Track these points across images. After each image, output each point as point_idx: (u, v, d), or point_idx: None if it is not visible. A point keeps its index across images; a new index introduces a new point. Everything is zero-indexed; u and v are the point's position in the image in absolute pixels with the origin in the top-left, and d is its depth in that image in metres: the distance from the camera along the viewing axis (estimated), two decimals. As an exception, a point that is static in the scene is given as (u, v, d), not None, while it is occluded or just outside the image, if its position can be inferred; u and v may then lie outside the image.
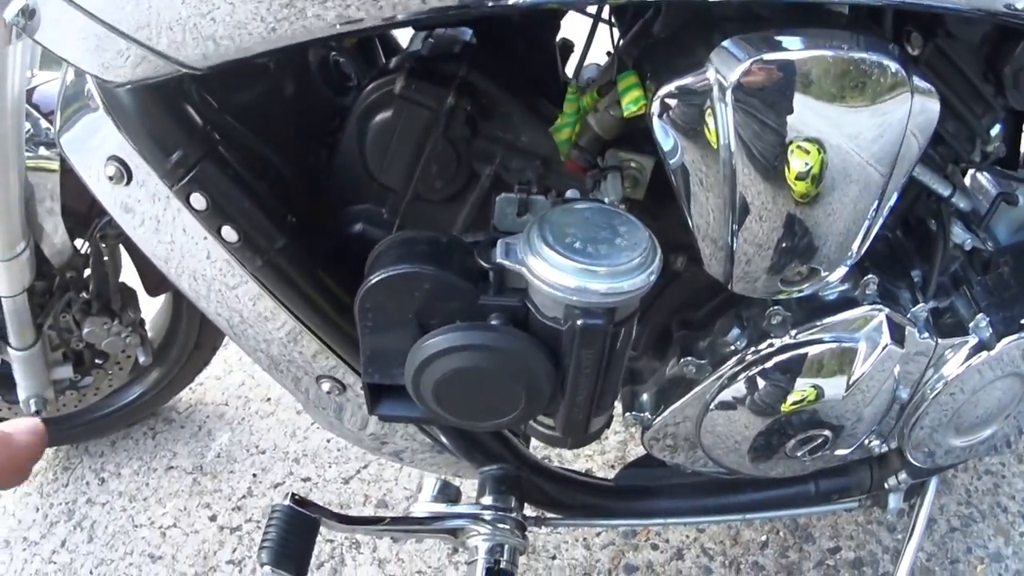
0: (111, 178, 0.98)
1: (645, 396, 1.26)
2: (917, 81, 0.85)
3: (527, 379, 0.90)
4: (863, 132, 0.86)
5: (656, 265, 0.84)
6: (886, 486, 1.48)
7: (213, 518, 1.92)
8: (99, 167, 0.98)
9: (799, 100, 0.83)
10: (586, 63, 1.15)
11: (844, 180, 0.90)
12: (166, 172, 0.96)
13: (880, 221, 0.96)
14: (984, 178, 1.25)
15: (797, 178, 0.88)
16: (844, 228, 0.95)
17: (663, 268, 0.90)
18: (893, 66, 0.83)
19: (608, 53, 1.13)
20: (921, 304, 1.18)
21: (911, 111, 0.86)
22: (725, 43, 0.82)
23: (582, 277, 0.82)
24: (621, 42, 1.09)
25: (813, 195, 0.90)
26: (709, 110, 0.84)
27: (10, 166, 1.32)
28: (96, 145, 0.97)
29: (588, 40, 1.09)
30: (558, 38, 1.20)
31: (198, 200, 0.97)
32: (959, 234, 1.20)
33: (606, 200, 0.95)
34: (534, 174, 1.08)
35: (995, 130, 1.14)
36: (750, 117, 0.83)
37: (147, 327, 1.88)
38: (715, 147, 0.86)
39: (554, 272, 0.82)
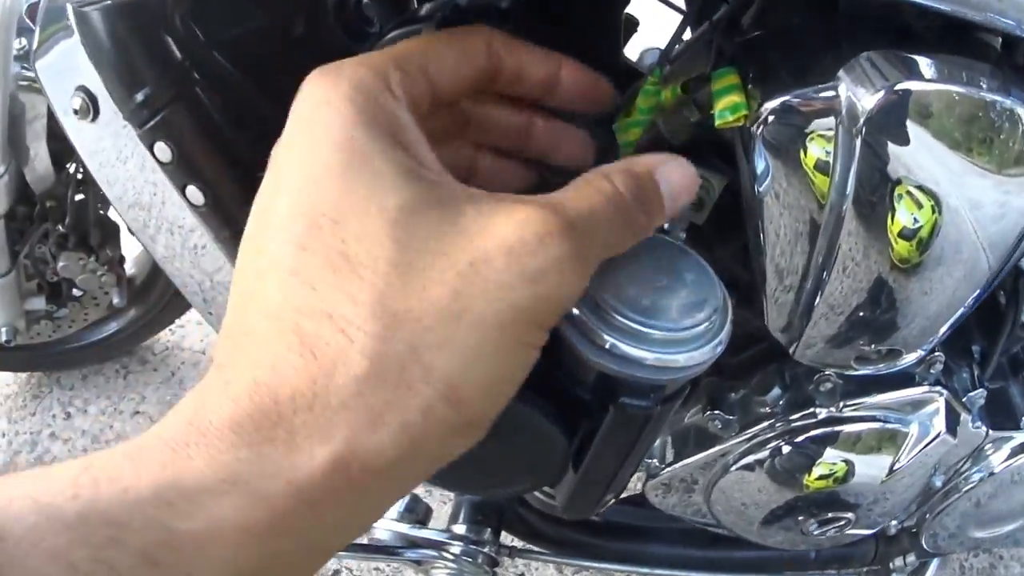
0: (76, 111, 0.81)
1: (657, 441, 1.06)
2: None
3: (531, 453, 0.65)
4: (987, 205, 0.67)
5: (725, 334, 0.58)
6: (891, 565, 1.31)
7: None
8: (68, 98, 0.81)
9: (931, 143, 0.63)
10: (646, 48, 0.95)
11: (952, 256, 0.71)
12: (131, 111, 0.75)
13: (967, 313, 0.78)
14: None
15: (901, 235, 0.69)
16: (935, 313, 0.76)
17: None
18: None
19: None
20: (980, 390, 1.00)
21: None
22: (863, 57, 0.62)
23: (627, 340, 0.55)
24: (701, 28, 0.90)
25: (914, 263, 0.71)
26: (825, 138, 0.65)
27: (-8, 82, 1.16)
28: (68, 72, 0.79)
29: (682, 23, 0.87)
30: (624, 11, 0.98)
31: (163, 150, 0.76)
32: (1030, 314, 1.02)
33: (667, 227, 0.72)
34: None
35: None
36: (877, 155, 0.64)
37: (129, 264, 1.72)
38: (822, 184, 0.67)
39: (589, 323, 0.55)
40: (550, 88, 0.59)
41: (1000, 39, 0.68)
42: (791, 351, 0.81)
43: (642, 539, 1.28)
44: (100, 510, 0.37)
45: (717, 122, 0.66)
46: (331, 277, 0.42)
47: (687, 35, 0.87)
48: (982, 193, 0.66)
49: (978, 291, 0.75)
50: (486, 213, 0.44)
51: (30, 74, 1.30)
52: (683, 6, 0.91)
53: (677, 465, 1.03)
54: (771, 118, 0.64)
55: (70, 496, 0.37)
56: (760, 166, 0.67)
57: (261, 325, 0.43)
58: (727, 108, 0.66)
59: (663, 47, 0.84)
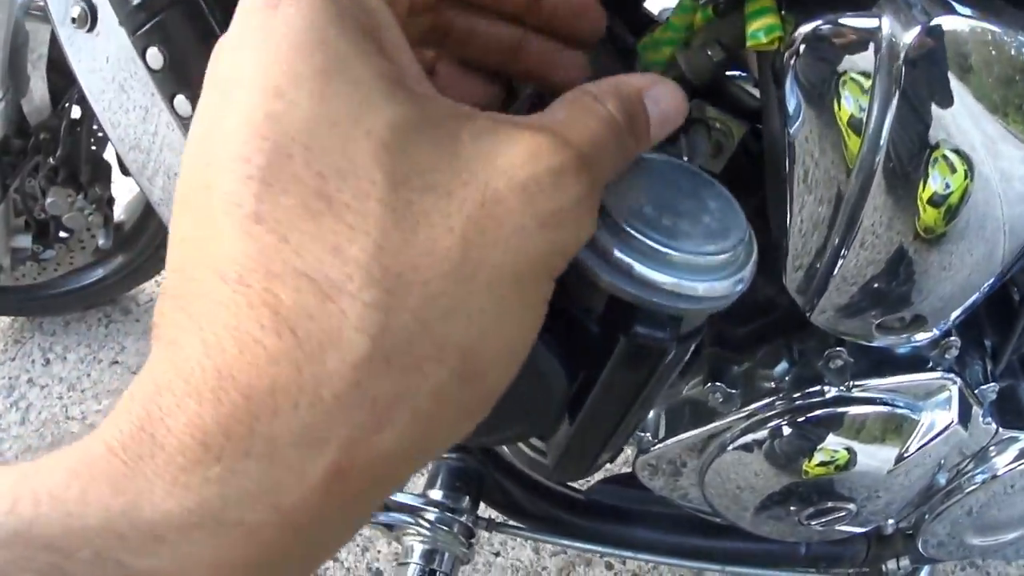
0: (74, 20, 0.75)
1: (651, 413, 1.00)
2: None
3: (527, 392, 0.53)
4: (1016, 180, 0.61)
5: (749, 271, 0.51)
6: (883, 568, 1.25)
7: None
8: (67, 5, 0.74)
9: (968, 101, 0.57)
10: (665, 7, 0.88)
11: (976, 232, 0.64)
12: (127, 14, 0.71)
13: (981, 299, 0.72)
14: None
15: (931, 201, 0.62)
16: (950, 293, 0.70)
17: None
18: None
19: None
20: (992, 384, 0.93)
21: None
22: None
23: (645, 260, 0.48)
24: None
25: (939, 232, 0.64)
26: (862, 78, 0.58)
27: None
28: (72, -21, 0.72)
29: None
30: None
31: (154, 56, 0.72)
32: (1048, 316, 0.96)
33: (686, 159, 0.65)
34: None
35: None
36: (914, 103, 0.57)
37: (119, 210, 1.68)
38: (855, 131, 0.60)
39: (604, 241, 0.48)
40: (536, 2, 0.51)
41: None
42: (809, 313, 0.74)
43: (626, 521, 1.22)
44: (40, 532, 0.30)
45: (749, 43, 0.59)
46: (308, 224, 0.33)
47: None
48: (1013, 166, 0.60)
49: (992, 278, 0.69)
50: (487, 140, 0.37)
51: (40, 1, 1.25)
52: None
53: (671, 440, 0.96)
54: (804, 46, 0.58)
55: (6, 509, 0.30)
56: (792, 104, 0.61)
57: (218, 291, 0.33)
58: (761, 29, 0.59)
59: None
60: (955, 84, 0.56)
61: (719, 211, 0.51)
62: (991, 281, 0.70)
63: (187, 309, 0.34)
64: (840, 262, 0.68)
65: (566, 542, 1.21)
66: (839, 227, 0.66)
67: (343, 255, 0.33)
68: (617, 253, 0.47)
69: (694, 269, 0.48)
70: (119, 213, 1.73)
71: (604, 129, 0.42)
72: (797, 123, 0.61)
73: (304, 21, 0.35)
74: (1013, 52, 0.55)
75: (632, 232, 0.47)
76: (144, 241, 1.75)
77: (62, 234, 1.69)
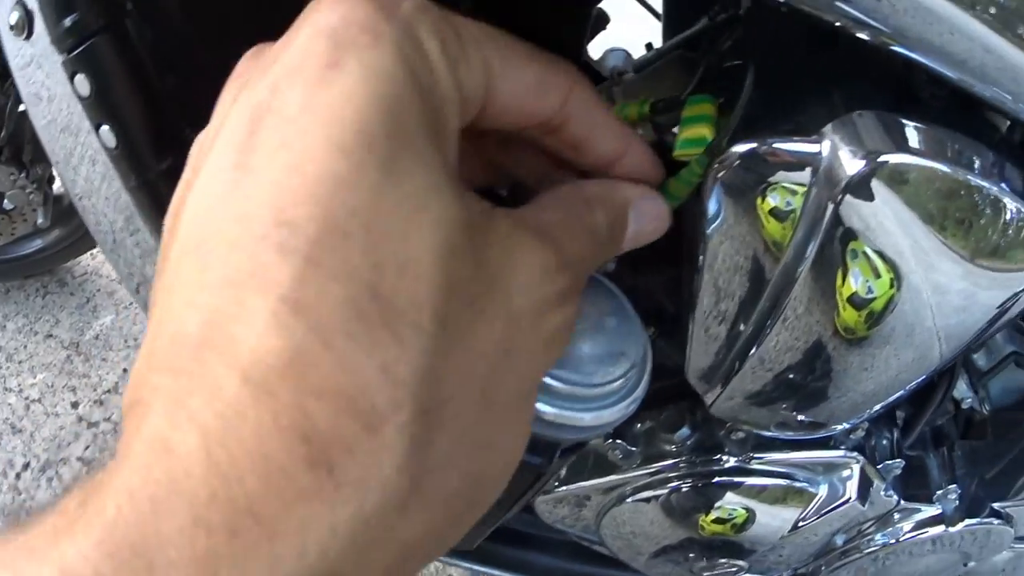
0: (12, 27, 0.69)
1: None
2: None
3: None
4: (952, 293, 0.56)
5: (641, 390, 0.48)
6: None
7: (75, 405, 1.68)
8: (8, 9, 0.68)
9: (906, 216, 0.52)
10: (611, 48, 0.83)
11: (903, 339, 0.60)
12: (59, 36, 0.64)
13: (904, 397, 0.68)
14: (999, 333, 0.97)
15: (850, 300, 0.58)
16: (871, 391, 0.66)
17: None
18: None
19: (648, 46, 0.82)
20: (898, 460, 0.89)
21: (1020, 292, 0.56)
22: (854, 116, 0.51)
23: None
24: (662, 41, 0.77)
25: (859, 335, 0.60)
26: (791, 192, 0.53)
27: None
28: (16, -18, 0.66)
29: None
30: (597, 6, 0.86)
31: (83, 83, 0.65)
32: (962, 389, 0.93)
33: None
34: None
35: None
36: (848, 223, 0.53)
37: (58, 184, 1.62)
38: (777, 236, 0.55)
39: None
40: (604, 168, 0.44)
41: (1008, 123, 0.57)
42: (708, 403, 0.70)
43: (524, 545, 1.17)
44: None
45: (676, 151, 0.54)
46: (357, 329, 0.27)
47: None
48: (950, 280, 0.56)
49: (922, 377, 0.65)
50: (508, 249, 0.33)
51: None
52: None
53: (572, 486, 0.91)
54: (737, 163, 0.53)
55: None
56: (713, 208, 0.55)
57: (233, 392, 0.26)
58: (692, 139, 0.54)
59: (629, 50, 0.73)
60: (894, 205, 0.52)
61: (616, 330, 0.47)
62: (918, 380, 0.66)
63: (184, 403, 0.27)
64: (752, 353, 0.64)
65: (466, 564, 1.17)
66: (751, 323, 0.62)
67: (393, 376, 0.27)
68: None
69: (581, 399, 0.44)
70: (58, 187, 1.69)
71: (593, 244, 0.39)
72: (715, 225, 0.56)
73: (383, 74, 0.29)
74: (957, 184, 0.51)
75: None
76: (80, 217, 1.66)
77: (5, 205, 1.64)
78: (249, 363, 0.26)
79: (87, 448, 1.61)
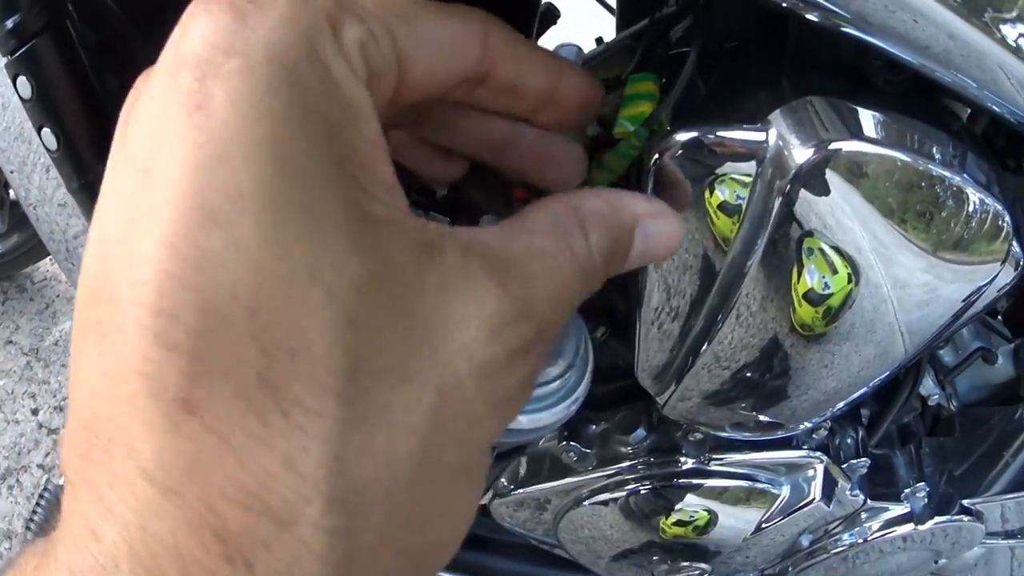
0: None
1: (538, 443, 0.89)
2: (1016, 247, 0.52)
3: None
4: (914, 287, 0.53)
5: (581, 391, 0.44)
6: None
7: (35, 412, 1.64)
8: None
9: (864, 210, 0.49)
10: (562, 43, 0.79)
11: (863, 335, 0.57)
12: (2, 38, 0.62)
13: (868, 393, 0.64)
14: (964, 328, 0.93)
15: (806, 296, 0.54)
16: (833, 389, 0.62)
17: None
18: (1006, 222, 0.50)
19: (598, 41, 0.77)
20: (864, 459, 0.85)
21: (985, 286, 0.53)
22: (804, 102, 0.47)
23: None
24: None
25: (817, 332, 0.56)
26: (738, 183, 0.49)
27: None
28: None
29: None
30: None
31: (24, 85, 0.63)
32: (929, 386, 0.89)
33: None
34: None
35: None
36: (798, 214, 0.49)
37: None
38: (725, 230, 0.51)
39: None
40: (543, 104, 0.40)
41: (968, 110, 0.54)
42: (661, 403, 0.66)
43: (485, 550, 1.13)
44: None
45: (616, 130, 0.49)
46: (253, 423, 0.25)
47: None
48: (911, 273, 0.52)
49: (886, 374, 0.61)
50: (451, 294, 0.29)
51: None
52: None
53: (526, 489, 0.87)
54: (679, 152, 0.49)
55: None
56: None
57: (142, 490, 0.25)
58: (632, 117, 0.50)
59: (581, 44, 0.68)
60: (849, 196, 0.48)
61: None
62: (882, 376, 0.62)
63: (103, 495, 0.25)
64: (703, 349, 0.60)
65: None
66: (701, 319, 0.58)
67: (297, 469, 0.25)
68: None
69: None
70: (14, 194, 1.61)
71: (578, 282, 0.34)
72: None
73: (256, 110, 0.25)
74: (917, 175, 0.47)
75: None
76: (37, 222, 1.62)
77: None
78: (153, 465, 0.25)
79: (47, 455, 1.56)
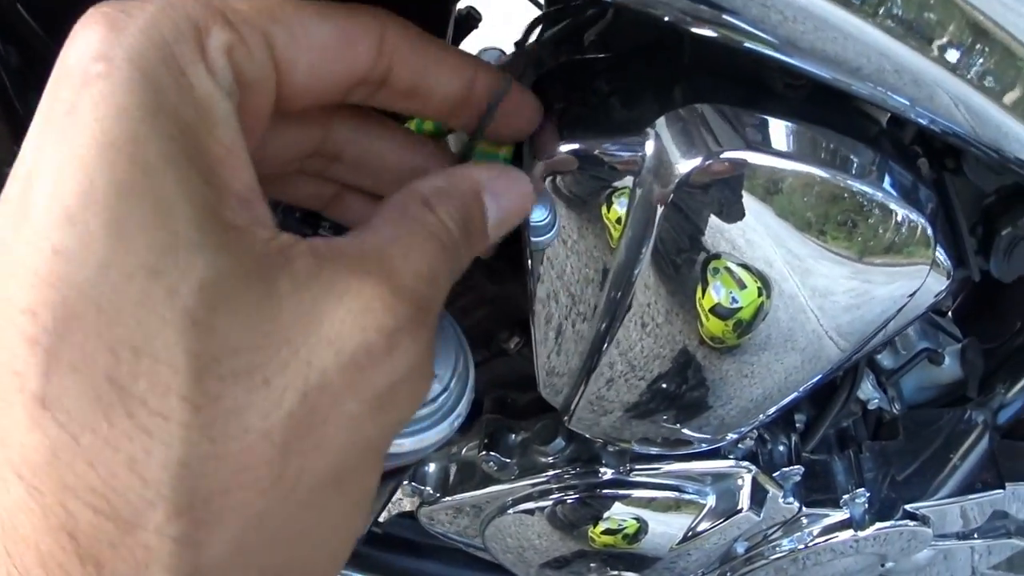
0: None
1: (432, 466, 0.86)
2: (939, 253, 0.49)
3: None
4: (838, 295, 0.50)
5: (463, 407, 0.43)
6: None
7: None
8: None
9: (769, 222, 0.46)
10: (484, 48, 0.76)
11: (783, 344, 0.54)
12: None
13: (803, 396, 0.61)
14: (911, 328, 0.90)
15: (713, 311, 0.51)
16: (760, 396, 0.59)
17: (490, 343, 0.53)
18: (925, 226, 0.47)
19: (516, 44, 0.74)
20: (796, 467, 0.82)
21: (916, 290, 0.51)
22: (690, 110, 0.44)
23: None
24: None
25: (730, 344, 0.53)
26: (622, 193, 0.46)
27: None
28: None
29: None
30: (461, 4, 0.78)
31: None
32: (868, 390, 0.86)
33: None
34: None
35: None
36: (687, 227, 0.46)
37: None
38: (609, 243, 0.48)
39: None
40: (455, 107, 0.39)
41: (888, 114, 0.51)
42: (565, 418, 0.62)
43: (420, 555, 1.10)
44: None
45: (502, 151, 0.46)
46: (100, 422, 0.25)
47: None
48: (833, 282, 0.49)
49: (821, 375, 0.59)
50: (310, 294, 0.28)
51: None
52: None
53: (452, 498, 0.84)
54: (555, 170, 0.46)
55: None
56: (541, 214, 0.48)
57: (11, 485, 0.25)
58: (487, 153, 0.45)
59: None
60: (751, 208, 0.45)
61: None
62: (817, 379, 0.59)
63: None
64: (596, 370, 0.57)
65: (358, 575, 1.09)
66: (595, 332, 0.55)
67: (141, 473, 0.25)
68: None
69: None
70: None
71: (438, 251, 0.33)
72: (540, 232, 0.49)
73: (113, 110, 0.26)
74: (829, 189, 0.45)
75: None
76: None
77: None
78: (19, 460, 0.25)
79: None
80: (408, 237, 0.32)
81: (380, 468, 0.33)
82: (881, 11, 0.38)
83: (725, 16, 0.38)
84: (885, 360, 0.88)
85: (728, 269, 0.48)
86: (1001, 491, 0.95)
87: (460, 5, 0.75)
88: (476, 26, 0.80)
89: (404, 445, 0.41)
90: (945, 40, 0.40)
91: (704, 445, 0.65)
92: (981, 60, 0.41)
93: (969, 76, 0.41)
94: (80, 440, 0.25)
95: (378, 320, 0.29)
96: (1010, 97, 0.43)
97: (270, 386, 0.27)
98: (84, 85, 0.26)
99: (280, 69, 0.32)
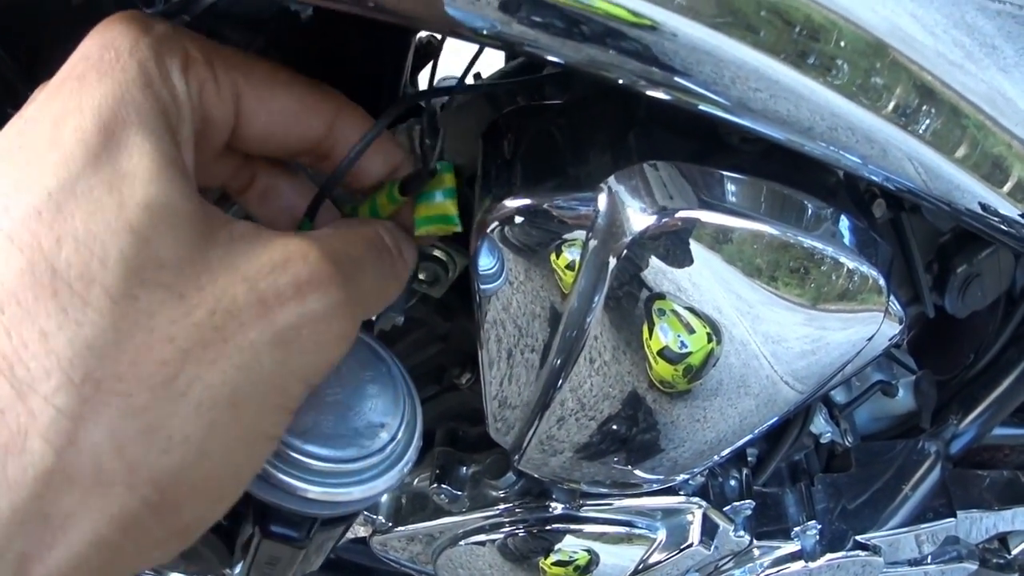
0: None
1: (384, 496, 0.85)
2: (894, 305, 0.50)
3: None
4: (791, 341, 0.50)
5: (412, 454, 0.45)
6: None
7: None
8: None
9: (717, 267, 0.46)
10: (444, 77, 0.75)
11: (736, 389, 0.54)
12: None
13: (758, 437, 0.61)
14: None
15: (661, 354, 0.51)
16: (714, 440, 0.59)
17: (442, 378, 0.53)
18: (877, 278, 0.47)
19: (476, 76, 0.73)
20: (747, 502, 0.82)
21: (870, 338, 0.51)
22: (643, 168, 0.44)
23: (283, 467, 0.41)
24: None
25: (680, 389, 0.53)
26: (574, 246, 0.46)
27: None
28: None
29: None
30: (421, 33, 0.76)
31: None
32: (820, 423, 0.86)
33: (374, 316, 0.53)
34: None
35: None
36: (639, 273, 0.46)
37: None
38: (560, 295, 0.49)
39: None
40: (377, 183, 0.46)
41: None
42: (515, 458, 0.62)
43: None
44: None
45: (417, 231, 0.46)
46: (26, 295, 0.29)
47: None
48: (785, 328, 0.50)
49: (777, 418, 0.59)
50: (241, 245, 0.33)
51: None
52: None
53: (404, 528, 0.84)
54: (509, 219, 0.46)
55: None
56: (489, 263, 0.48)
57: None
58: (433, 216, 0.45)
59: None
60: (701, 260, 0.45)
61: (378, 398, 0.44)
62: (773, 421, 0.59)
63: None
64: (545, 414, 0.56)
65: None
66: (544, 377, 0.55)
67: (48, 344, 0.29)
68: (270, 471, 0.40)
69: (345, 475, 0.42)
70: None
71: (365, 244, 0.38)
72: (488, 282, 0.49)
73: (114, 77, 0.33)
74: (780, 246, 0.45)
75: (282, 448, 0.40)
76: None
77: None
78: None
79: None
80: (343, 230, 0.39)
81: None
82: (829, 75, 0.39)
83: (677, 79, 0.38)
84: (838, 395, 0.88)
85: (675, 312, 0.48)
86: (953, 519, 0.96)
87: (421, 34, 0.74)
88: (436, 55, 0.79)
89: (353, 493, 0.42)
90: (892, 105, 0.40)
91: (655, 486, 0.65)
92: (928, 121, 0.41)
93: (920, 131, 0.42)
94: (5, 309, 0.29)
95: (293, 268, 0.33)
96: (959, 153, 0.43)
97: (183, 300, 0.31)
98: (96, 63, 0.33)
99: (240, 117, 0.38)
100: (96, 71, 0.33)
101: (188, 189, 0.33)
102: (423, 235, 0.45)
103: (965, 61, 0.40)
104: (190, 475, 0.32)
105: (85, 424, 0.29)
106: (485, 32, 0.36)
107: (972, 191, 0.46)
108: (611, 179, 0.44)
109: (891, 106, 0.40)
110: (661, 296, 0.47)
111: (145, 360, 0.30)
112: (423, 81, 0.75)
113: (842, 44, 0.38)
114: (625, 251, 0.44)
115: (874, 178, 0.45)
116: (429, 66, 0.76)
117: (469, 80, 0.60)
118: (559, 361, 0.53)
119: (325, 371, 0.36)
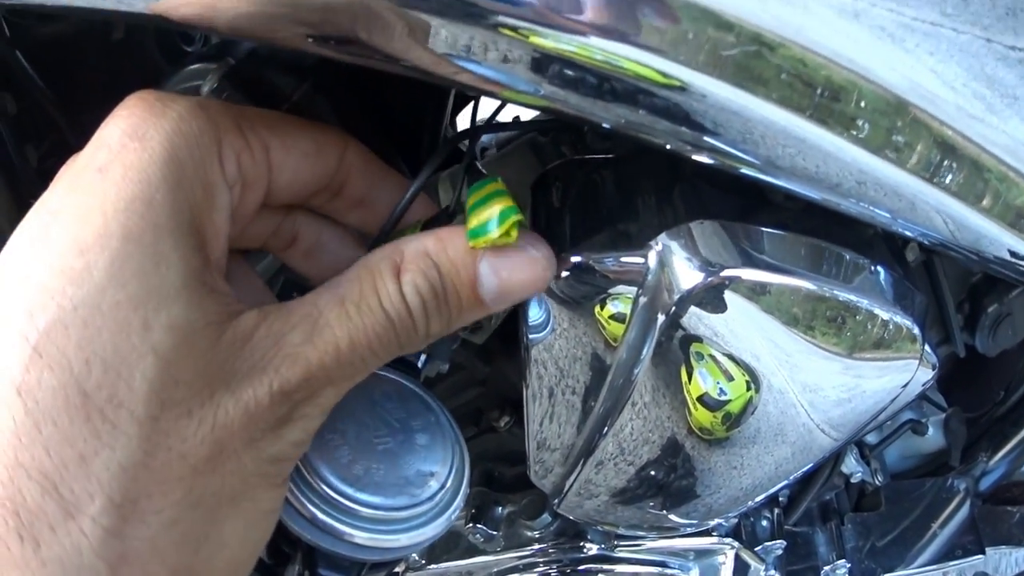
0: None
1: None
2: (928, 352, 0.51)
3: None
4: (828, 390, 0.51)
5: (459, 501, 0.46)
6: None
7: None
8: None
9: (762, 324, 0.47)
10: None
11: (773, 438, 0.54)
12: None
13: (793, 483, 0.62)
14: (895, 400, 0.90)
15: (701, 400, 0.52)
16: (749, 486, 0.60)
17: (480, 420, 0.54)
18: (912, 327, 0.48)
19: (516, 119, 0.74)
20: (779, 542, 0.83)
21: (905, 385, 0.52)
22: (692, 226, 0.45)
23: (333, 513, 0.41)
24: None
25: (718, 436, 0.54)
26: (624, 301, 0.47)
27: None
28: None
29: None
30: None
31: None
32: (851, 463, 0.87)
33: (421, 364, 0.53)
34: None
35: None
36: (691, 331, 0.47)
37: None
38: (610, 349, 0.50)
39: (307, 505, 0.42)
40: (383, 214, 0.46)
41: None
42: (555, 503, 0.63)
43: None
44: None
45: (471, 242, 0.40)
46: (63, 418, 0.31)
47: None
48: (823, 377, 0.50)
49: (812, 464, 0.59)
50: (238, 349, 0.34)
51: None
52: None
53: (438, 566, 0.85)
54: (562, 275, 0.47)
55: None
56: (537, 314, 0.49)
57: None
58: (489, 220, 0.40)
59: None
60: (742, 313, 0.46)
61: (428, 448, 0.46)
62: (807, 469, 0.60)
63: None
64: (588, 461, 0.57)
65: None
66: (589, 426, 0.56)
67: (88, 468, 0.31)
68: (304, 502, 0.41)
69: (393, 522, 0.43)
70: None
71: (376, 325, 0.37)
72: (538, 333, 0.50)
73: (138, 174, 0.33)
74: (806, 298, 0.46)
75: (320, 483, 0.41)
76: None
77: None
78: None
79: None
80: (354, 305, 0.37)
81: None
82: (851, 132, 0.39)
83: (707, 138, 0.39)
84: (869, 435, 0.89)
85: (715, 359, 0.49)
86: (982, 556, 0.96)
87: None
88: (478, 97, 0.80)
89: (401, 540, 0.43)
90: (915, 160, 0.41)
91: (690, 530, 0.66)
92: (951, 175, 0.42)
93: (945, 184, 0.43)
94: (43, 428, 0.30)
95: (268, 409, 0.34)
96: (984, 204, 0.44)
97: (192, 416, 0.32)
98: (120, 153, 0.33)
99: (272, 172, 0.39)
100: (121, 164, 0.33)
101: (208, 303, 0.34)
102: (480, 245, 0.40)
103: (986, 114, 0.40)
104: (217, 564, 0.35)
105: (131, 541, 0.32)
106: (520, 91, 0.37)
107: (999, 240, 0.47)
108: (662, 236, 0.45)
109: (914, 161, 0.41)
110: (699, 340, 0.48)
111: (168, 479, 0.32)
112: (462, 120, 0.76)
113: (863, 104, 0.38)
114: (674, 308, 0.45)
115: (907, 233, 0.46)
116: (470, 106, 0.77)
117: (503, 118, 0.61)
118: (604, 408, 0.54)
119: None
